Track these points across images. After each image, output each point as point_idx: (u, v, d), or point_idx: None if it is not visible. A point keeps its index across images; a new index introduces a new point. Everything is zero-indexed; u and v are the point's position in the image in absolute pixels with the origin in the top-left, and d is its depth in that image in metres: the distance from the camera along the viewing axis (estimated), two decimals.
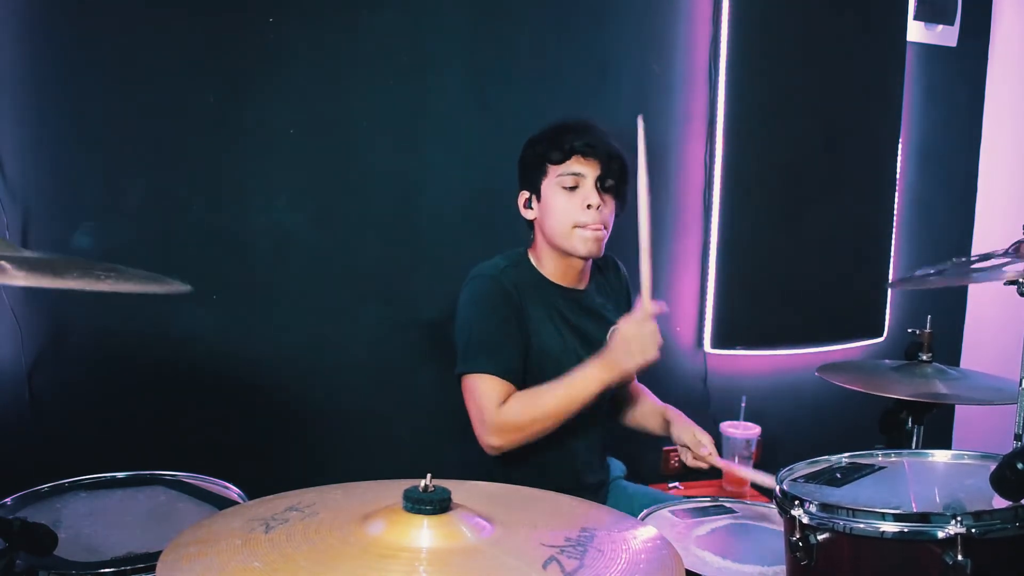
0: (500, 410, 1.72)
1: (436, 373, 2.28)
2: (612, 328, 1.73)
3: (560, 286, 1.89)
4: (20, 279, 1.00)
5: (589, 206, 1.78)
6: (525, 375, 1.79)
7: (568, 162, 1.80)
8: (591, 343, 1.83)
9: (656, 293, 1.67)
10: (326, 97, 2.23)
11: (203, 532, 1.00)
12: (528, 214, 1.89)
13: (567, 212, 1.79)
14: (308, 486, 1.15)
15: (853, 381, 1.92)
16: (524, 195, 1.89)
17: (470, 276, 1.85)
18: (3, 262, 0.98)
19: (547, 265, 1.89)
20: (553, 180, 1.81)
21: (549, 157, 1.81)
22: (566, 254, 1.85)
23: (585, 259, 1.85)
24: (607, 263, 2.02)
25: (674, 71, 2.60)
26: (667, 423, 1.95)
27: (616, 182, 1.82)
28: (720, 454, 1.87)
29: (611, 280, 2.02)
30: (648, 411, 2.05)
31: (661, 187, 2.57)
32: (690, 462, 1.86)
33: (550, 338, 1.83)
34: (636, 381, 2.10)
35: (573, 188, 1.79)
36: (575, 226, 1.79)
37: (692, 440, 1.85)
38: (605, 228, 1.81)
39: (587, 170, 1.79)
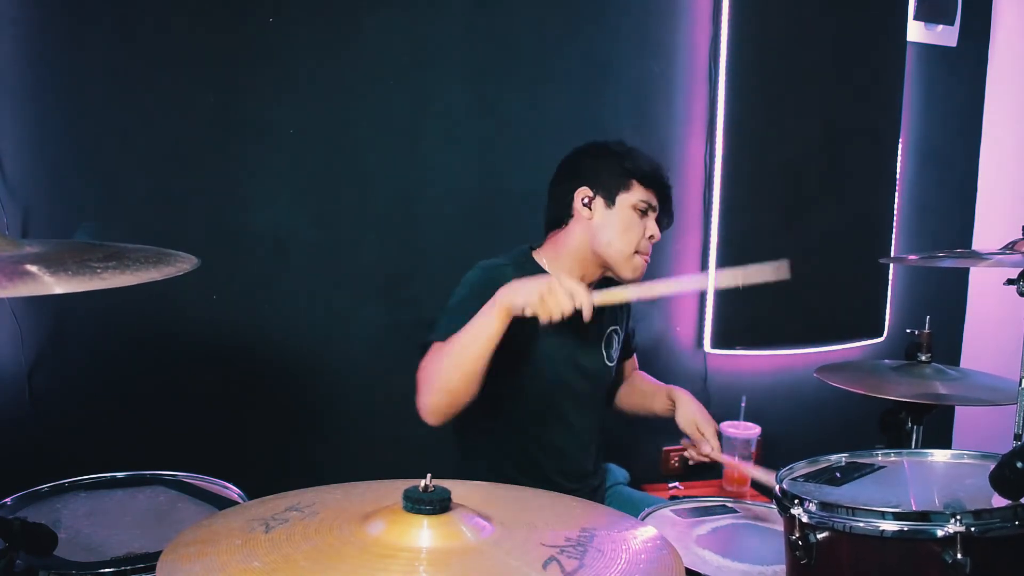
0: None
1: None
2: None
3: None
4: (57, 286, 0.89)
5: (651, 237, 1.82)
6: (519, 375, 1.77)
7: (652, 191, 1.82)
8: (588, 340, 1.84)
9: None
10: (326, 97, 2.23)
11: (203, 532, 1.00)
12: (582, 212, 1.82)
13: (634, 236, 1.80)
14: (308, 486, 1.15)
15: (852, 382, 1.92)
16: (585, 192, 1.82)
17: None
18: (34, 268, 0.91)
19: (562, 268, 1.84)
20: (635, 198, 1.80)
21: (640, 177, 1.81)
22: (600, 267, 1.84)
23: (626, 280, 1.84)
24: None
25: (674, 71, 2.60)
26: (673, 404, 1.93)
27: (663, 230, 1.87)
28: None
29: (611, 282, 2.01)
30: (649, 391, 2.04)
31: None
32: (695, 457, 1.85)
33: (544, 336, 1.80)
34: (637, 369, 2.12)
35: (643, 214, 1.81)
36: (637, 251, 1.81)
37: (693, 432, 1.85)
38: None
39: (658, 207, 1.84)
